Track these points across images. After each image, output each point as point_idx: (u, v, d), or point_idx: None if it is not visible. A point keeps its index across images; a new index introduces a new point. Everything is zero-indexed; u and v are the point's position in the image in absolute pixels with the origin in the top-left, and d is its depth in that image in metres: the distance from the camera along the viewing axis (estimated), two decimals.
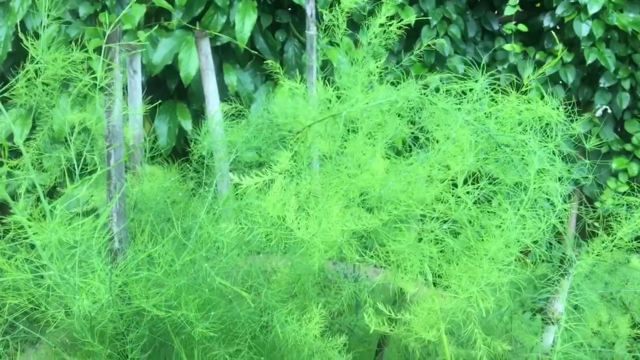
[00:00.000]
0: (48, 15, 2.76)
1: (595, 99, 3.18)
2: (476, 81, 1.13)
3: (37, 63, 1.42)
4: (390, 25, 1.92)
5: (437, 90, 1.10)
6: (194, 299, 1.31)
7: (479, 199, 1.05)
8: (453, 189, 1.06)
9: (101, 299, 1.13)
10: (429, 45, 3.00)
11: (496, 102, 1.10)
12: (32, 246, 1.34)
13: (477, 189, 1.05)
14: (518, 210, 1.00)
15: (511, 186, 1.05)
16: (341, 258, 1.71)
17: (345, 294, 1.58)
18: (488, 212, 1.05)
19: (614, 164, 3.15)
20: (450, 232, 1.07)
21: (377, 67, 1.54)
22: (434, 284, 1.18)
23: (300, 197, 1.24)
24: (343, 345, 1.45)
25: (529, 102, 1.11)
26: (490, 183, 1.07)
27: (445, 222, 1.05)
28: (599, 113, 3.30)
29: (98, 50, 1.76)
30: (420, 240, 1.08)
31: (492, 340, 1.45)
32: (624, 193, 1.32)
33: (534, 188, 1.00)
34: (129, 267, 1.23)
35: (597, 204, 3.10)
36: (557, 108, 1.12)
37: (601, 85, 3.13)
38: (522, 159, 1.07)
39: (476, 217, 1.04)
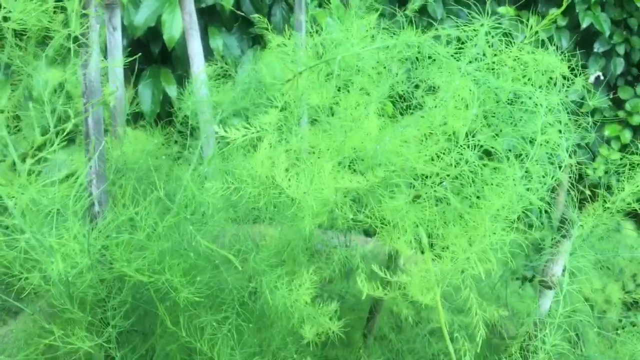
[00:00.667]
0: None
1: (589, 64, 3.12)
2: (482, 25, 1.06)
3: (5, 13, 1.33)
4: None
5: (436, 38, 1.03)
6: (178, 263, 1.25)
7: (479, 155, 0.99)
8: (453, 145, 1.00)
9: (79, 263, 1.07)
10: (422, 6, 2.91)
11: (500, 51, 1.04)
12: (6, 209, 1.27)
13: (478, 143, 0.99)
14: (522, 162, 0.95)
15: (515, 140, 1.00)
16: (332, 225, 1.66)
17: (337, 260, 1.53)
18: (491, 167, 0.99)
19: (607, 131, 3.11)
20: (451, 191, 1.01)
21: (369, 23, 1.46)
22: (432, 246, 1.13)
23: (290, 154, 1.18)
24: (334, 312, 1.40)
25: (533, 53, 1.05)
26: (492, 137, 1.01)
27: (445, 179, 0.99)
28: (592, 79, 3.25)
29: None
30: (418, 198, 1.02)
31: (487, 306, 1.41)
32: (623, 156, 1.26)
33: (540, 142, 0.95)
34: (109, 229, 1.16)
35: (589, 171, 3.06)
36: (562, 60, 1.06)
37: (595, 50, 3.07)
38: (526, 111, 1.01)
39: (477, 173, 0.98)
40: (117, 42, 1.76)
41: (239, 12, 2.73)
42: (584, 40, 3.12)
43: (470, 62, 1.02)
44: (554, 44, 3.08)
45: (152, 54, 2.89)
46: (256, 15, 1.75)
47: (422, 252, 1.12)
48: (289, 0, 3.00)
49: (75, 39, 1.22)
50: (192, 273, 1.28)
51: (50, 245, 1.02)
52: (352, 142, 1.01)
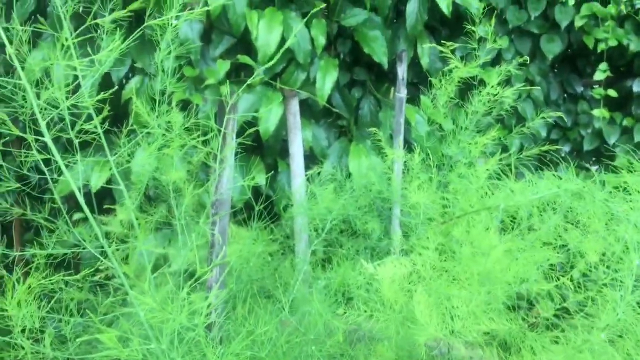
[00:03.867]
0: (134, 68, 2.81)
1: None
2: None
3: (146, 126, 1.41)
4: (485, 91, 1.86)
5: (602, 183, 1.02)
6: None
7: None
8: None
9: None
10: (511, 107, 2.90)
11: None
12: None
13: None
14: None
15: None
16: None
17: None
18: None
19: None
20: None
21: (488, 139, 1.47)
22: None
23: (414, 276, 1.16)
24: None
25: None
26: None
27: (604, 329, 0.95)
28: None
29: (182, 103, 1.75)
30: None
31: None
32: None
33: None
34: (236, 348, 1.16)
35: None
36: None
37: None
38: None
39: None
40: (231, 144, 1.83)
41: (333, 109, 2.80)
42: None
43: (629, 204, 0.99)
44: None
45: (243, 143, 2.98)
46: (373, 128, 1.78)
47: None
48: (377, 95, 3.06)
49: (214, 155, 1.27)
50: None
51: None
52: (501, 278, 0.99)
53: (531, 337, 0.98)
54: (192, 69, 2.71)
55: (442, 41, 3.11)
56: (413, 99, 3.05)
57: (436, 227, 1.13)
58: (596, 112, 2.85)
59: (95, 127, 1.22)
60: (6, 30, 1.21)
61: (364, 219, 1.65)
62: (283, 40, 2.69)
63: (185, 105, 2.73)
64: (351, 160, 2.87)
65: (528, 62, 2.81)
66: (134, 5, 1.26)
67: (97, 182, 2.73)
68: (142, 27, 1.32)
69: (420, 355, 1.34)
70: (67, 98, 1.17)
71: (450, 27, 3.05)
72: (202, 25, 2.73)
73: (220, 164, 1.27)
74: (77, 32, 1.46)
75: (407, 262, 1.03)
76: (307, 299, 1.32)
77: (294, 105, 2.12)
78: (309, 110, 3.08)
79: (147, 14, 1.41)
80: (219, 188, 1.29)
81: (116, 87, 2.43)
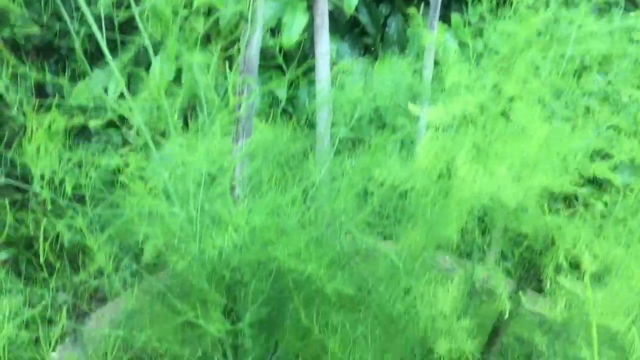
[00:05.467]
0: None
1: None
2: None
3: None
4: None
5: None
6: (321, 255, 1.19)
7: None
8: None
9: (233, 241, 1.03)
10: None
11: None
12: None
13: None
14: None
15: None
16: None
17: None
18: None
19: None
20: None
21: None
22: None
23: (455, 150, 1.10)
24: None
25: None
26: None
27: None
28: None
29: None
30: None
31: None
32: None
33: None
34: (261, 212, 1.11)
35: None
36: None
37: None
38: None
39: None
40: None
41: (359, 19, 2.70)
42: None
43: None
44: None
45: (264, 55, 2.89)
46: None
47: None
48: (406, 12, 2.95)
49: (242, 15, 1.20)
50: (333, 267, 1.22)
51: (219, 216, 0.98)
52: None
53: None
54: None
55: None
56: (443, 19, 2.92)
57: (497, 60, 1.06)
58: None
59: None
60: None
61: (394, 111, 1.59)
62: None
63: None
64: (376, 79, 2.78)
65: None
66: None
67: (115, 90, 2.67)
68: None
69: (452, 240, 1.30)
70: None
71: None
72: None
73: (251, 24, 1.20)
74: None
75: (458, 104, 0.96)
76: (335, 177, 1.27)
77: (323, 5, 2.02)
78: (334, 24, 2.97)
79: None
80: (248, 52, 1.23)
81: None
